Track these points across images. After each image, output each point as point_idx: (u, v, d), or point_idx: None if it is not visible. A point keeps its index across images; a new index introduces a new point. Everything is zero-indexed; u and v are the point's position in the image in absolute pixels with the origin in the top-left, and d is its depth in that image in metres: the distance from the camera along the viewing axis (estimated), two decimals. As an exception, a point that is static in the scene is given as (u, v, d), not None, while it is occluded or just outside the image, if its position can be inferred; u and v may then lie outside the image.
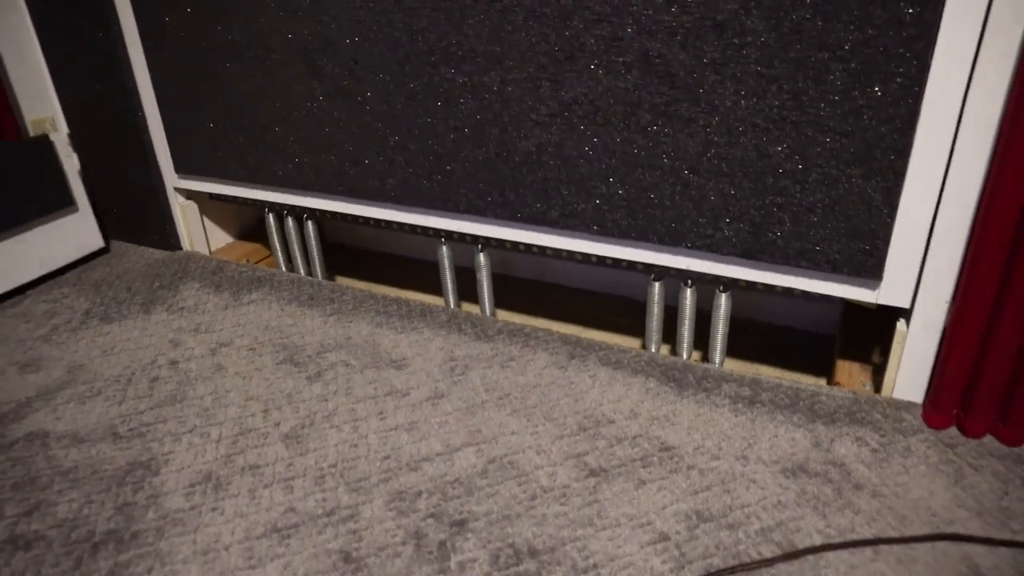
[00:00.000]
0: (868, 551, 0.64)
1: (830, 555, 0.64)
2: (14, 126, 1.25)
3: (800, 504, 0.69)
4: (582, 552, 0.65)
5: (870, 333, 1.00)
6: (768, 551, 0.64)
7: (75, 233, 1.26)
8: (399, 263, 1.49)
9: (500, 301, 1.11)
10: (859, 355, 0.95)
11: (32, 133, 1.28)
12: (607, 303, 1.28)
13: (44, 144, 1.18)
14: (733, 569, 0.62)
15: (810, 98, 0.72)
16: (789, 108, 0.73)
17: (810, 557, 0.63)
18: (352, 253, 1.53)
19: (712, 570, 0.62)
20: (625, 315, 1.23)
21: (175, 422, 0.85)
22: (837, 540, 0.65)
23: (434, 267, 1.13)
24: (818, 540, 0.65)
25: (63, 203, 1.23)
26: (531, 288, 1.34)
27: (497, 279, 1.10)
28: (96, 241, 1.30)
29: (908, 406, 0.81)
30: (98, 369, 0.96)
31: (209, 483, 0.75)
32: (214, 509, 0.72)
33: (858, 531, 0.66)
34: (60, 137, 1.20)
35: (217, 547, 0.67)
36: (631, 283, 1.26)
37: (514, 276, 1.35)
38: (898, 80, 0.67)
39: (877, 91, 0.68)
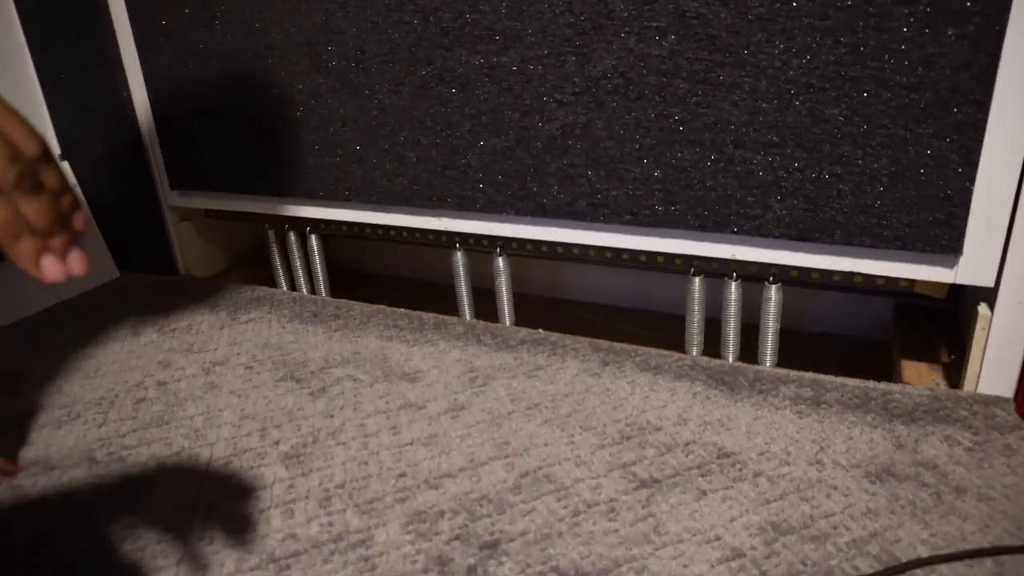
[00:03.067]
0: (988, 563, 0.53)
1: (943, 568, 0.53)
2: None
3: (894, 511, 0.58)
4: (641, 574, 0.54)
5: (926, 334, 0.90)
6: (866, 565, 0.53)
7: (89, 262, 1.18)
8: (409, 286, 1.40)
9: (518, 321, 1.02)
10: (923, 355, 0.85)
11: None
12: (632, 317, 1.19)
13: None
14: (827, 588, 0.51)
15: (872, 50, 0.64)
16: (847, 63, 0.65)
17: (919, 571, 0.52)
18: (358, 277, 1.44)
19: (802, 590, 0.51)
20: (654, 329, 1.13)
21: (161, 445, 0.75)
22: (947, 551, 0.54)
23: (446, 289, 1.04)
24: (924, 551, 0.54)
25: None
26: (549, 305, 1.25)
27: (514, 298, 1.01)
28: (111, 271, 1.22)
29: (997, 401, 0.71)
30: (78, 392, 0.87)
31: (197, 510, 0.65)
32: (201, 538, 0.61)
33: (970, 540, 0.55)
34: (63, 166, 1.14)
35: (204, 579, 0.56)
36: (658, 295, 1.16)
37: (530, 294, 1.26)
38: (975, 19, 0.60)
39: (950, 34, 0.61)
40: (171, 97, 1.08)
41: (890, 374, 0.89)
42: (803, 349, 1.04)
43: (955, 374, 0.78)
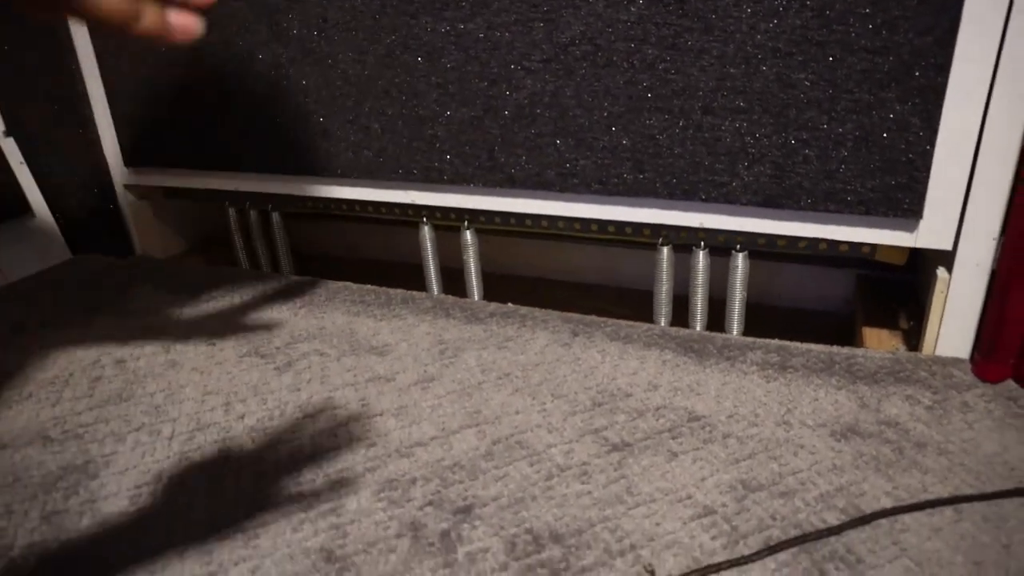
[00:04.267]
0: (948, 511, 0.54)
1: (906, 518, 0.54)
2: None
3: (859, 466, 0.60)
4: (615, 533, 0.54)
5: (889, 302, 0.92)
6: (833, 518, 0.54)
7: (37, 244, 1.14)
8: (375, 268, 1.38)
9: (488, 296, 1.01)
10: (884, 323, 0.87)
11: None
12: (602, 294, 1.19)
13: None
14: (797, 540, 0.52)
15: (837, 13, 0.65)
16: (814, 27, 0.66)
17: (883, 521, 0.54)
18: (322, 262, 1.42)
19: (772, 542, 0.52)
20: (623, 305, 1.14)
21: (119, 421, 0.73)
22: (910, 501, 0.55)
23: (413, 269, 1.03)
24: (887, 503, 0.55)
25: (16, 212, 1.11)
26: (517, 284, 1.24)
27: (482, 276, 1.00)
28: (62, 252, 1.18)
29: (954, 362, 0.73)
30: (30, 374, 0.83)
31: (159, 484, 0.63)
32: (165, 511, 0.59)
33: (931, 491, 0.57)
34: (8, 142, 1.10)
35: (168, 553, 0.55)
36: (627, 271, 1.17)
37: (499, 273, 1.26)
38: (937, -18, 0.61)
39: (913, -2, 0.62)
40: (124, 70, 1.04)
41: (853, 343, 0.91)
42: (769, 323, 1.05)
43: (914, 339, 0.80)
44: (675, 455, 0.62)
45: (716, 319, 0.86)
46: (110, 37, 1.03)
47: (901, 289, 0.95)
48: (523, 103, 0.80)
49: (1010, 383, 0.69)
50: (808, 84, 0.68)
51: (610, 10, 0.72)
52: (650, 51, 0.72)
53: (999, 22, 0.61)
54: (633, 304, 1.13)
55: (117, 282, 1.08)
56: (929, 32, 0.62)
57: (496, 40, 0.78)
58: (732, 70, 0.70)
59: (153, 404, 0.75)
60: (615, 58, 0.74)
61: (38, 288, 1.08)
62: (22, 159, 1.14)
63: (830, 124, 0.68)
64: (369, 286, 1.01)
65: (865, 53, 0.65)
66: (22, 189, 1.13)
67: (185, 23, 0.37)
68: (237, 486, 0.62)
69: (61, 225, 1.19)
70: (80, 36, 1.06)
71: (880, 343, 0.82)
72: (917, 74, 0.64)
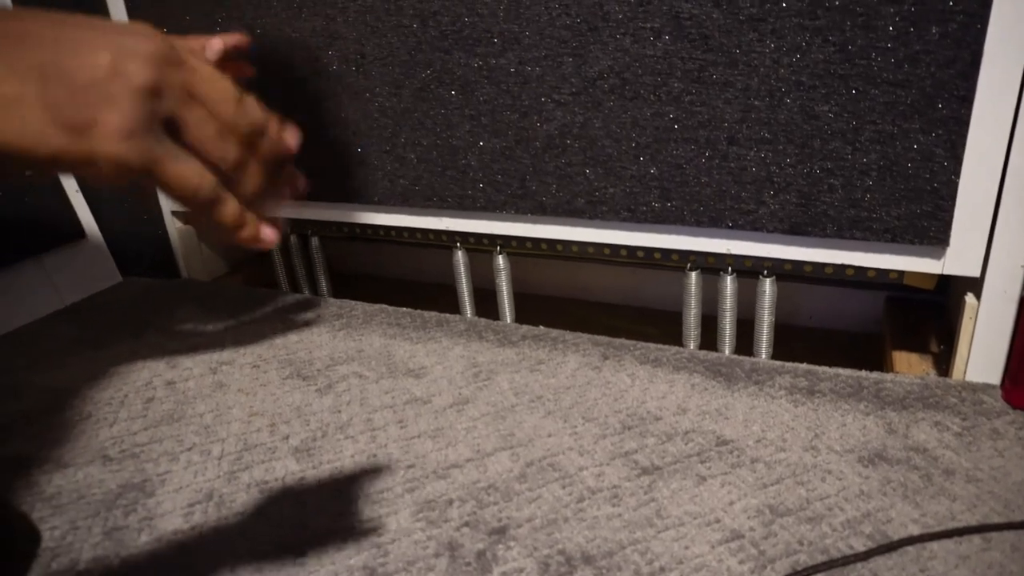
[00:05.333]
0: (977, 539, 0.55)
1: (933, 546, 0.55)
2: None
3: (886, 493, 0.61)
4: (644, 555, 0.56)
5: (917, 326, 0.93)
6: (859, 544, 0.55)
7: (90, 267, 1.20)
8: (409, 287, 1.42)
9: (518, 317, 1.04)
10: (914, 346, 0.87)
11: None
12: (631, 314, 1.21)
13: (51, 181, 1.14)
14: (823, 566, 0.53)
15: (859, 48, 0.66)
16: (836, 61, 0.68)
17: (910, 548, 0.55)
18: (358, 280, 1.46)
19: (799, 567, 0.53)
20: (652, 325, 1.15)
21: (172, 441, 0.77)
22: (937, 529, 0.56)
23: (447, 289, 1.06)
24: (915, 530, 0.56)
25: (71, 237, 1.17)
26: (549, 304, 1.27)
27: (514, 297, 1.03)
28: (113, 275, 1.24)
29: (985, 388, 0.74)
30: (87, 394, 0.88)
31: (211, 502, 0.66)
32: (216, 529, 0.63)
33: (959, 519, 0.57)
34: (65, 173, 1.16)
35: (221, 570, 0.58)
36: (655, 292, 1.19)
37: (530, 293, 1.28)
38: (958, 17, 0.62)
39: (935, 32, 0.63)
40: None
41: (882, 365, 0.92)
42: (798, 343, 1.06)
43: (944, 363, 0.80)
44: (703, 479, 0.64)
45: (745, 339, 0.88)
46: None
47: (931, 310, 0.96)
48: (553, 134, 0.83)
49: (1041, 409, 0.70)
50: (832, 116, 0.69)
51: (637, 45, 0.75)
52: (676, 84, 0.75)
53: (1021, 51, 0.62)
54: (662, 323, 1.14)
55: (165, 303, 1.13)
56: (951, 65, 0.64)
57: (527, 74, 0.81)
58: (756, 102, 0.72)
59: (203, 424, 0.79)
60: (642, 91, 0.76)
61: (92, 309, 1.14)
62: (77, 188, 1.20)
63: (854, 154, 0.70)
64: (405, 309, 1.04)
65: (888, 86, 0.66)
66: (77, 216, 1.19)
67: (270, 237, 0.41)
68: (283, 506, 0.65)
69: (112, 249, 1.25)
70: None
71: (910, 367, 0.83)
72: (940, 106, 0.65)
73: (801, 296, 1.08)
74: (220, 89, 0.38)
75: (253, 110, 0.40)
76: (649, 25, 0.74)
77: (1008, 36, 0.62)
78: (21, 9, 0.35)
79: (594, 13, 0.76)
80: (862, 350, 1.03)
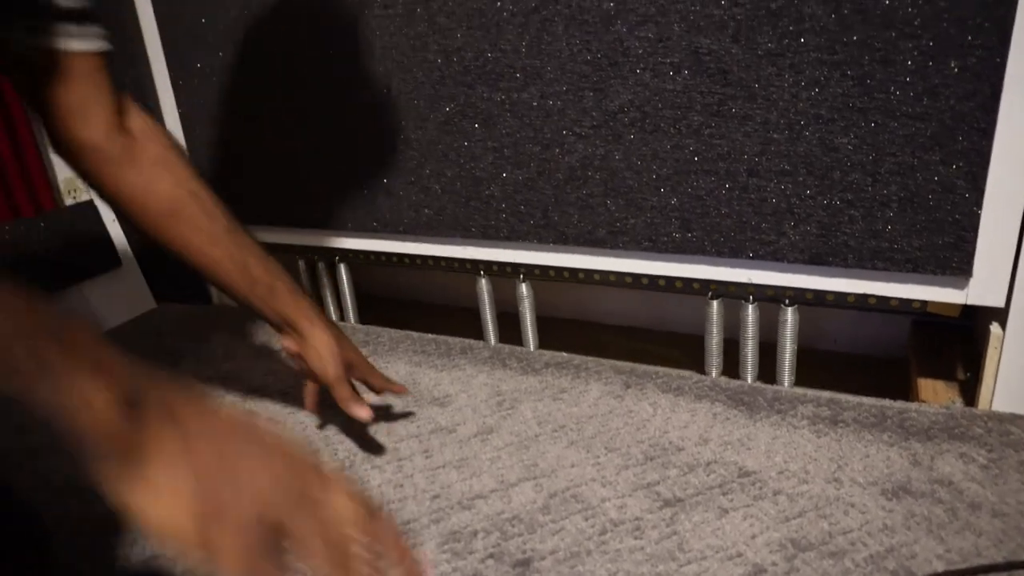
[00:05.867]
0: (1003, 577, 0.55)
1: (959, 583, 0.55)
2: (48, 192, 1.23)
3: (910, 527, 0.60)
4: (667, 590, 0.57)
5: (944, 350, 0.92)
6: (884, 581, 0.55)
7: (126, 294, 1.25)
8: (434, 311, 1.44)
9: (541, 343, 1.05)
10: (939, 373, 0.87)
11: (65, 193, 1.27)
12: (654, 338, 1.21)
13: (90, 211, 1.18)
14: (847, 603, 0.54)
15: (878, 82, 0.67)
16: (855, 95, 0.68)
17: (935, 586, 0.55)
18: (384, 304, 1.48)
19: (822, 605, 0.54)
20: (676, 348, 1.16)
21: (205, 469, 0.79)
22: (962, 566, 0.56)
23: (471, 313, 1.08)
24: (939, 566, 0.56)
25: (109, 266, 1.21)
26: (572, 328, 1.28)
27: (537, 321, 1.04)
28: (148, 302, 1.28)
29: (1012, 418, 0.73)
30: (124, 420, 0.91)
31: (242, 530, 0.68)
32: (248, 557, 0.65)
33: (984, 555, 0.57)
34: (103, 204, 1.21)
35: (252, 598, 0.60)
36: (679, 316, 1.19)
37: (554, 317, 1.29)
38: (977, 53, 0.62)
39: (954, 67, 0.64)
40: (204, 135, 1.13)
41: (907, 391, 0.91)
42: (822, 368, 1.06)
43: (970, 391, 0.80)
44: (726, 511, 0.64)
45: (768, 363, 0.88)
46: (194, 100, 1.12)
47: (958, 334, 0.95)
48: (575, 166, 0.84)
49: (1070, 440, 0.69)
50: (851, 148, 0.70)
51: (656, 80, 0.76)
52: (696, 118, 0.76)
53: (1042, 88, 0.62)
54: (685, 347, 1.15)
55: (198, 331, 1.17)
56: (971, 98, 0.64)
57: (548, 108, 0.83)
58: (776, 135, 0.73)
59: (234, 453, 0.81)
60: (662, 124, 0.78)
61: (129, 335, 1.17)
62: (114, 217, 1.24)
63: (874, 186, 0.70)
64: (430, 335, 1.06)
65: (907, 119, 0.67)
66: (114, 244, 1.23)
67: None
68: (312, 535, 0.67)
69: (146, 276, 1.29)
70: (167, 99, 1.16)
71: (935, 395, 0.82)
72: (960, 138, 0.66)
73: (825, 320, 1.08)
74: (344, 512, 0.39)
75: (379, 537, 0.40)
76: (668, 60, 0.75)
77: (1028, 69, 0.62)
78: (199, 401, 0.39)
79: (614, 48, 0.77)
80: (887, 375, 1.02)
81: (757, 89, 0.72)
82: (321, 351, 0.71)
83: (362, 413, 0.70)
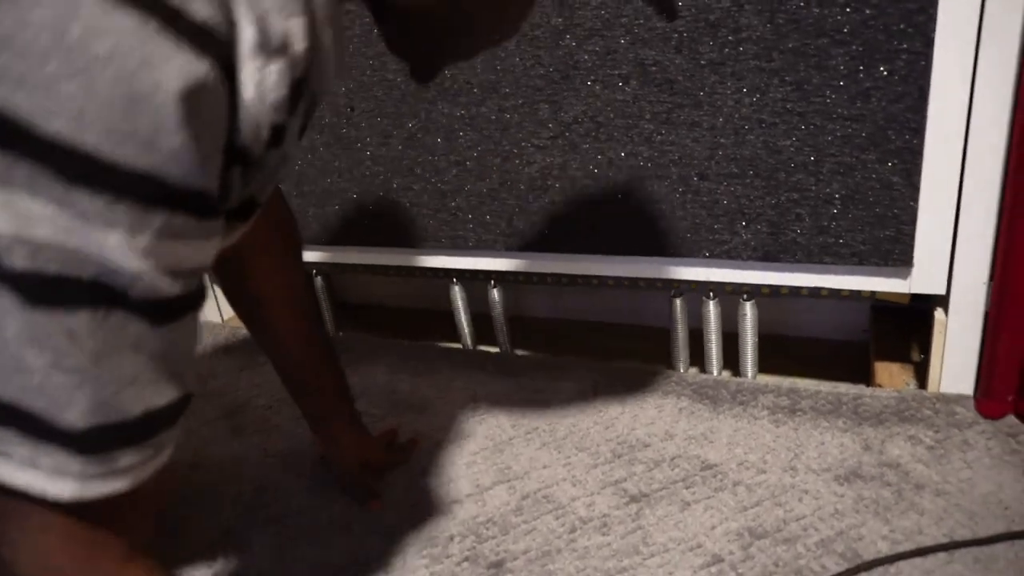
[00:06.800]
0: (942, 554, 0.59)
1: (901, 563, 0.58)
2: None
3: (859, 511, 0.64)
4: (631, 583, 0.60)
5: (904, 333, 0.95)
6: (832, 563, 0.59)
7: None
8: (410, 315, 1.46)
9: (517, 343, 1.08)
10: (897, 355, 0.90)
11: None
12: (628, 332, 1.24)
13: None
14: (797, 586, 0.57)
15: (814, 87, 0.70)
16: (794, 99, 0.71)
17: (879, 567, 0.58)
18: (359, 310, 1.51)
19: (774, 589, 0.57)
20: (649, 342, 1.19)
21: (187, 488, 0.82)
22: (905, 545, 0.60)
23: (447, 316, 1.11)
24: (884, 547, 0.60)
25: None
26: (547, 326, 1.31)
27: (512, 320, 1.07)
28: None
29: (959, 399, 0.77)
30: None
31: (227, 541, 0.71)
32: (233, 569, 0.68)
33: (926, 533, 0.61)
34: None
35: (241, 612, 0.63)
36: (651, 309, 1.22)
37: (528, 316, 1.32)
38: (904, 57, 0.65)
39: (883, 71, 0.67)
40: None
41: (868, 374, 0.95)
42: (788, 354, 1.09)
43: (925, 372, 0.84)
44: (688, 504, 0.68)
45: (735, 352, 0.91)
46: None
47: (916, 317, 0.98)
48: (535, 175, 0.87)
49: (1012, 419, 0.73)
50: (793, 150, 0.73)
51: (607, 91, 0.79)
52: (646, 125, 0.79)
53: (966, 87, 0.66)
54: (659, 340, 1.18)
55: (182, 349, 1.19)
56: (901, 100, 0.67)
57: (506, 121, 0.86)
58: (723, 140, 0.76)
59: (219, 466, 0.84)
60: (615, 133, 0.80)
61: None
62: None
63: (818, 185, 0.74)
64: (407, 342, 1.09)
65: (843, 120, 0.70)
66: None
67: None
68: (297, 544, 0.70)
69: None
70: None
71: (891, 377, 0.86)
72: (894, 137, 0.69)
73: (789, 307, 1.11)
74: None
75: None
76: (617, 72, 0.78)
77: (953, 69, 0.66)
78: None
79: (565, 62, 0.80)
80: (851, 359, 1.06)
81: (702, 97, 0.75)
82: (345, 454, 0.75)
83: (373, 508, 0.74)
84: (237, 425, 0.93)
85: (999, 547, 0.58)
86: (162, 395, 0.37)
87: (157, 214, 0.32)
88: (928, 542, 0.60)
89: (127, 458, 0.36)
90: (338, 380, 0.76)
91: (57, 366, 0.32)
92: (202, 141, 0.32)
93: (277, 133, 0.37)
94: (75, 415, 0.34)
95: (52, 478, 0.35)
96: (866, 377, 0.94)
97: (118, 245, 0.31)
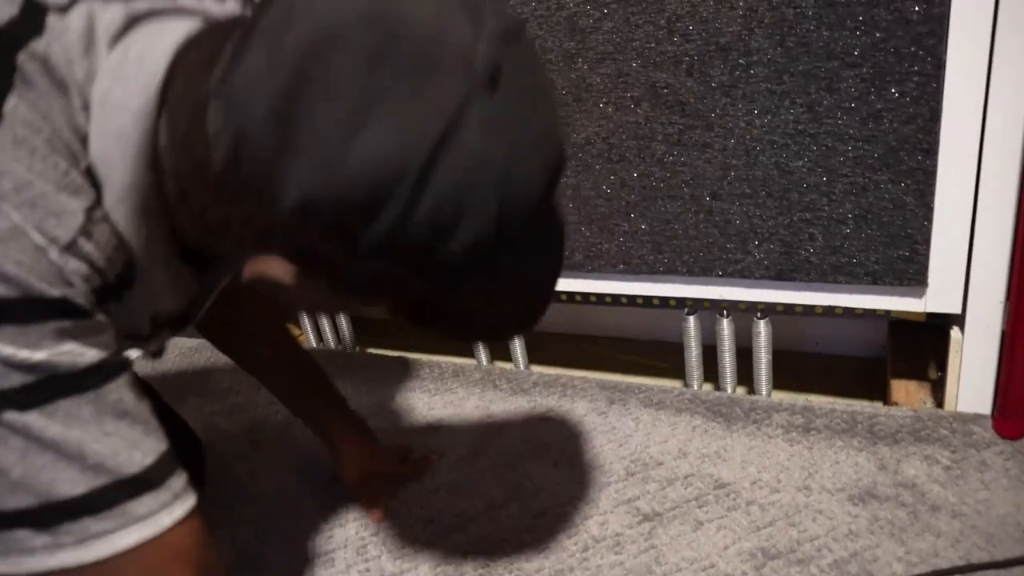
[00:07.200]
0: (957, 576, 0.58)
1: (916, 584, 0.58)
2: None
3: (873, 532, 0.64)
4: (643, 603, 0.60)
5: (922, 350, 0.95)
6: (846, 585, 0.59)
7: None
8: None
9: (534, 356, 1.09)
10: (914, 373, 0.90)
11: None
12: (645, 349, 1.24)
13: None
14: (810, 608, 0.57)
15: (826, 108, 0.70)
16: (805, 121, 0.72)
17: (894, 588, 0.58)
18: (377, 326, 1.52)
19: (787, 611, 0.57)
20: (665, 359, 1.19)
21: (208, 502, 0.83)
22: (920, 568, 0.60)
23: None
24: (899, 568, 0.60)
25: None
26: (565, 341, 1.31)
27: (526, 337, 1.08)
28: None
29: (976, 418, 0.76)
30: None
31: (247, 563, 0.73)
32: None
33: (942, 555, 0.61)
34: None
35: (259, 628, 0.64)
36: (667, 326, 1.22)
37: (546, 331, 1.33)
38: (915, 79, 0.66)
39: (894, 93, 0.67)
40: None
41: (885, 391, 0.94)
42: (804, 371, 1.09)
43: (942, 390, 0.83)
44: (701, 524, 0.68)
45: (749, 368, 0.91)
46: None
47: (933, 334, 0.98)
48: (549, 195, 0.88)
49: (1030, 438, 0.72)
50: (805, 170, 0.73)
51: (619, 113, 0.80)
52: (658, 147, 0.79)
53: (978, 107, 0.66)
54: (673, 357, 1.18)
55: (201, 363, 1.21)
56: (912, 121, 0.67)
57: (520, 142, 0.87)
58: (734, 161, 0.76)
59: (239, 484, 0.86)
60: (627, 154, 0.81)
61: (136, 370, 1.22)
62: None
63: (830, 205, 0.74)
64: (424, 358, 1.10)
65: (855, 141, 0.70)
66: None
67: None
68: (310, 562, 0.71)
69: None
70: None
71: (908, 395, 0.86)
72: (906, 158, 0.69)
73: (806, 323, 1.11)
74: None
75: None
76: (629, 94, 0.79)
77: (965, 90, 0.66)
78: None
79: (578, 85, 0.81)
80: (868, 376, 1.05)
81: (714, 119, 0.76)
82: (344, 461, 0.79)
83: (372, 518, 0.77)
84: (255, 441, 0.95)
85: (1017, 570, 0.58)
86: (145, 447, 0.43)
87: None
88: (944, 564, 0.59)
89: (142, 507, 0.42)
90: (329, 395, 0.81)
91: (27, 454, 0.38)
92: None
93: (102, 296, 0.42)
94: (67, 486, 0.39)
95: (79, 547, 0.40)
96: (883, 394, 0.93)
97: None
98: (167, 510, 0.43)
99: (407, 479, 0.81)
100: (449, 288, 0.41)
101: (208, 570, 0.46)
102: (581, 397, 0.92)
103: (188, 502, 0.45)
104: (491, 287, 0.42)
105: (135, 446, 0.42)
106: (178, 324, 0.55)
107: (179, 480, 0.44)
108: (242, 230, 0.40)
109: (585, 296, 0.95)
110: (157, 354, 0.61)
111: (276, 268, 0.41)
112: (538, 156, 0.40)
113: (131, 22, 0.42)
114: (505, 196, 0.37)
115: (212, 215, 0.42)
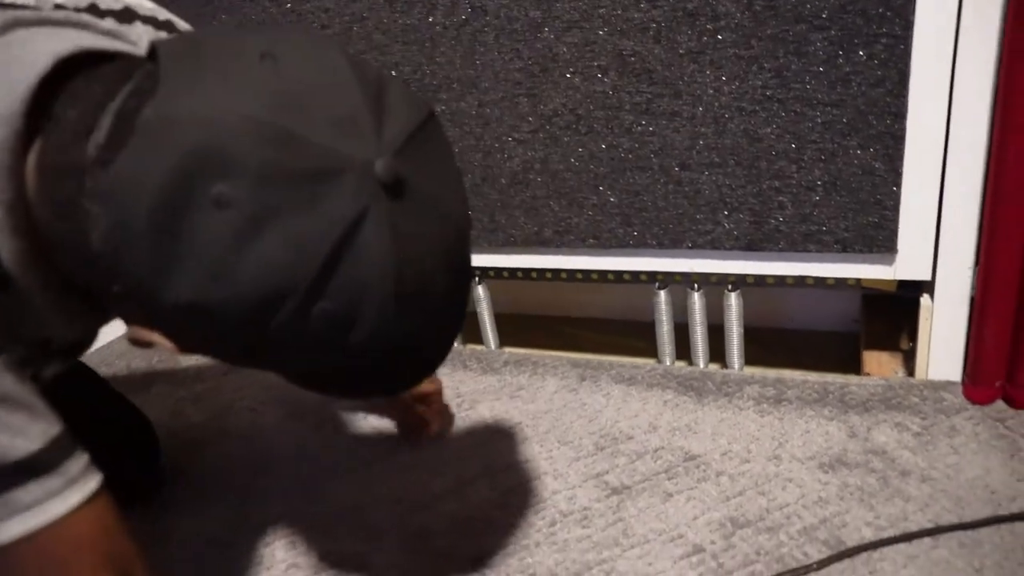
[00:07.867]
0: (927, 540, 0.58)
1: (885, 548, 0.58)
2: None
3: (843, 498, 0.63)
4: (609, 575, 0.59)
5: (895, 322, 0.95)
6: (815, 551, 0.58)
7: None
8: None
9: (508, 339, 1.08)
10: (887, 344, 0.90)
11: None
12: (620, 328, 1.23)
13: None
14: (779, 575, 0.56)
15: (794, 73, 0.69)
16: (774, 87, 0.71)
17: (862, 553, 0.57)
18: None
19: (756, 578, 0.56)
20: (641, 338, 1.18)
21: (174, 487, 0.81)
22: (889, 532, 0.59)
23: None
24: (868, 533, 0.59)
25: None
26: (539, 323, 1.30)
27: (503, 317, 1.06)
28: (120, 325, 1.28)
29: (946, 385, 0.76)
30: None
31: (210, 546, 0.71)
32: (223, 571, 0.67)
33: (911, 519, 0.60)
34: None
35: (218, 610, 0.62)
36: (642, 305, 1.21)
37: (521, 313, 1.31)
38: (883, 41, 0.65)
39: (862, 55, 0.66)
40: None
41: (859, 364, 0.94)
42: (778, 347, 1.08)
43: (913, 360, 0.83)
44: (670, 495, 0.67)
45: (721, 344, 0.90)
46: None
47: (907, 305, 0.97)
48: (516, 170, 0.86)
49: (1000, 404, 0.72)
50: (774, 137, 0.72)
51: (586, 83, 0.78)
52: (626, 117, 0.78)
53: (947, 70, 0.65)
54: (649, 335, 1.17)
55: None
56: (881, 84, 0.67)
57: (487, 115, 0.85)
58: (703, 129, 0.75)
59: (206, 470, 0.83)
60: (595, 125, 0.80)
61: (102, 359, 1.19)
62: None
63: (799, 172, 0.73)
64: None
65: (823, 107, 0.69)
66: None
67: None
68: (275, 547, 0.69)
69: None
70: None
71: (880, 366, 0.85)
72: (874, 122, 0.68)
73: (779, 299, 1.10)
74: None
75: None
76: (596, 63, 0.77)
77: (933, 52, 0.65)
78: None
79: (543, 55, 0.79)
80: (842, 349, 1.05)
81: (682, 86, 0.74)
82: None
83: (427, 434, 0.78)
84: (222, 428, 0.92)
85: (984, 531, 0.57)
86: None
87: None
88: (913, 528, 0.59)
89: (28, 495, 0.40)
90: None
91: None
92: None
93: None
94: None
95: None
96: (857, 367, 0.93)
97: None
98: (59, 497, 0.40)
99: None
100: (332, 367, 0.41)
101: (117, 557, 0.43)
102: (552, 375, 0.91)
103: (87, 487, 0.42)
104: (386, 360, 0.42)
105: (18, 433, 0.39)
106: (73, 352, 0.53)
107: (76, 464, 0.42)
108: (118, 303, 0.39)
109: (556, 273, 0.94)
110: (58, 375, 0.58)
111: (157, 337, 0.40)
112: (442, 258, 0.40)
113: (13, 25, 0.40)
114: (404, 300, 0.37)
115: (85, 277, 0.40)
